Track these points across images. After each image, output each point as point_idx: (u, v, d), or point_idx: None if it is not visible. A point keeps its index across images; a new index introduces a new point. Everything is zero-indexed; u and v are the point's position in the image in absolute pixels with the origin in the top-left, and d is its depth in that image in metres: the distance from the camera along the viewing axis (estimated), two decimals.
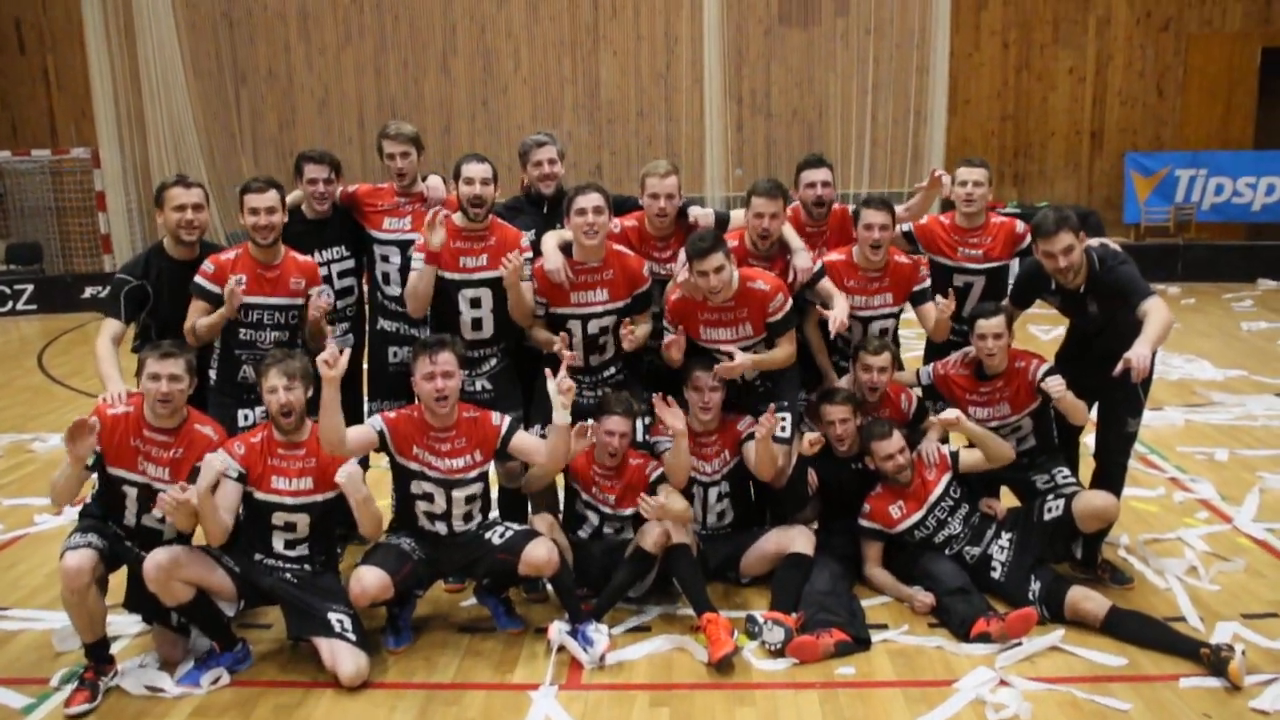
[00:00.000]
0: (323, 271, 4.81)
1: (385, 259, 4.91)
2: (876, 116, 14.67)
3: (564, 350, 4.44)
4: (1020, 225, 5.00)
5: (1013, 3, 14.71)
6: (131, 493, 4.07)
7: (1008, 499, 4.91)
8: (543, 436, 4.44)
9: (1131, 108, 14.82)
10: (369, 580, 4.07)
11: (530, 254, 4.66)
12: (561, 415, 4.17)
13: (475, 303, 4.64)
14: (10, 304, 14.25)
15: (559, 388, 4.13)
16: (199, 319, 4.41)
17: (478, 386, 4.70)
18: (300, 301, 4.55)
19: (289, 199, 4.78)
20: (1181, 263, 13.70)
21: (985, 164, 5.03)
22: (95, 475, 4.09)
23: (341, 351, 3.96)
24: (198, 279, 4.44)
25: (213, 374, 4.55)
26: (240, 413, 4.54)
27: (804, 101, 15.11)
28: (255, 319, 4.48)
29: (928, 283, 4.93)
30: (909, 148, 14.61)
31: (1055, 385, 4.50)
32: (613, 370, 4.80)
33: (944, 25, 14.22)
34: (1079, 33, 14.71)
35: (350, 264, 5.01)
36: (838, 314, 4.59)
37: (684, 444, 4.45)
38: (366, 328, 5.16)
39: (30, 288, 14.35)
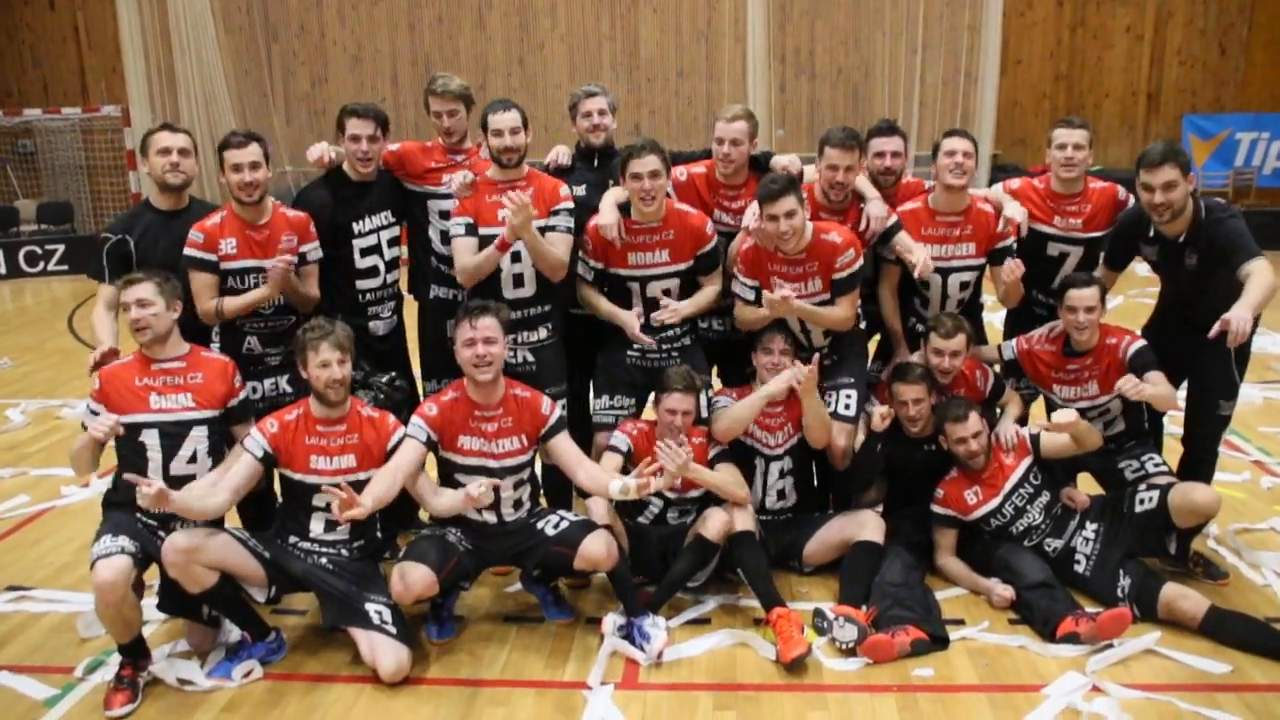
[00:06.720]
0: (370, 241, 4.51)
1: (444, 215, 4.51)
2: (925, 77, 14.20)
3: (637, 332, 4.36)
4: (1122, 191, 4.60)
5: None
6: (152, 439, 3.78)
7: (1086, 485, 4.58)
8: (611, 408, 4.52)
9: (1191, 67, 14.24)
10: (413, 578, 3.77)
11: (571, 203, 4.40)
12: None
13: (515, 256, 4.31)
14: (41, 264, 14.10)
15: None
16: (220, 299, 4.11)
17: (519, 358, 4.39)
18: (295, 259, 4.20)
19: (332, 155, 4.52)
20: None
21: (1086, 124, 4.58)
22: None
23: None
24: (188, 250, 4.10)
25: (215, 348, 4.24)
26: (248, 385, 4.25)
27: (849, 61, 14.63)
28: (251, 284, 4.15)
29: (1011, 240, 4.54)
30: (958, 109, 14.10)
31: (1130, 386, 4.05)
32: (675, 332, 4.49)
33: None
34: None
35: (397, 231, 4.65)
36: (920, 258, 4.34)
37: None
38: (417, 299, 4.88)
39: (61, 248, 14.18)
